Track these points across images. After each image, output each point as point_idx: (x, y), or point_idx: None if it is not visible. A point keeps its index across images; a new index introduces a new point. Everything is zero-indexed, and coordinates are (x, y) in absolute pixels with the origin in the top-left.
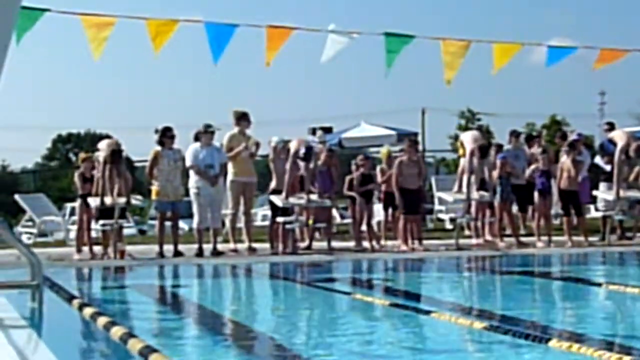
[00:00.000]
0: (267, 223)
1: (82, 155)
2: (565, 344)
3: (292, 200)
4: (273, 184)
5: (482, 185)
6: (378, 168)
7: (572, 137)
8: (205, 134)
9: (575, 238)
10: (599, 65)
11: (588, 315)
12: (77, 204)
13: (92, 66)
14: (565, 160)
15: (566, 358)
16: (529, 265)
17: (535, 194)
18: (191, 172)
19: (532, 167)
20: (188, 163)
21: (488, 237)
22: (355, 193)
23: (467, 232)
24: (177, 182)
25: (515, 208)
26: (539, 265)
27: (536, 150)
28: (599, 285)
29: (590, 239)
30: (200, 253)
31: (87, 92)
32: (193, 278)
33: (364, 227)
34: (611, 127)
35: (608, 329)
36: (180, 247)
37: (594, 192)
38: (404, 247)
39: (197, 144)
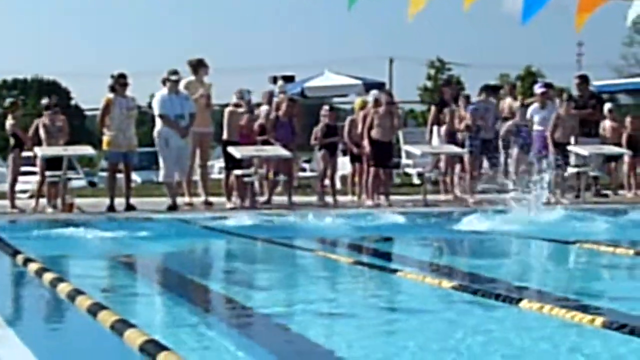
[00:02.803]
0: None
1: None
2: (536, 305)
3: (251, 152)
4: (225, 135)
5: (452, 138)
6: (348, 119)
7: (537, 88)
8: (171, 81)
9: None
10: (581, 21)
11: (560, 275)
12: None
13: (40, 4)
14: (560, 111)
15: (537, 319)
16: (494, 220)
17: (516, 149)
18: (158, 122)
19: (510, 122)
20: (157, 112)
21: (457, 193)
22: (318, 145)
23: (435, 188)
24: (130, 132)
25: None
26: (510, 223)
27: (512, 102)
28: (573, 243)
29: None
30: (173, 207)
31: (35, 34)
32: (145, 233)
33: (327, 182)
34: (583, 80)
35: (581, 289)
36: (133, 201)
37: (569, 147)
38: (369, 202)
39: (165, 91)
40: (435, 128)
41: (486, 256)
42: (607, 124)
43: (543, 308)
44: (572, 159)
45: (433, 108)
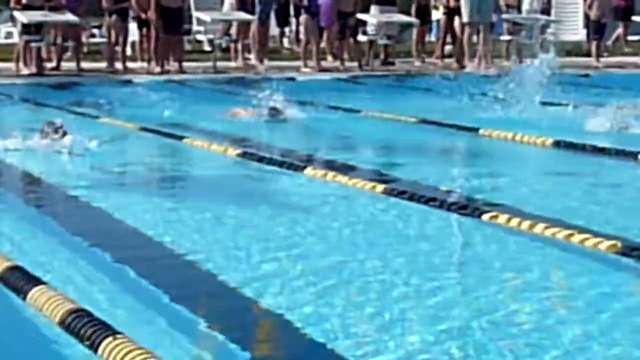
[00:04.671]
0: (11, 41)
1: None
2: (320, 172)
3: (37, 17)
4: None
5: (243, 4)
6: None
7: None
8: None
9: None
10: None
11: (346, 144)
12: None
13: None
14: None
15: (322, 185)
16: (293, 89)
17: (303, 15)
18: None
19: None
20: None
21: (248, 60)
22: (107, 11)
23: (226, 55)
24: None
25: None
26: (299, 92)
27: None
28: (358, 112)
29: (352, 64)
30: None
31: None
32: None
33: (117, 48)
34: None
35: (365, 158)
36: None
37: (360, 15)
38: (158, 69)
39: None
40: None
41: (274, 128)
42: None
43: (327, 175)
44: (371, 28)
45: None
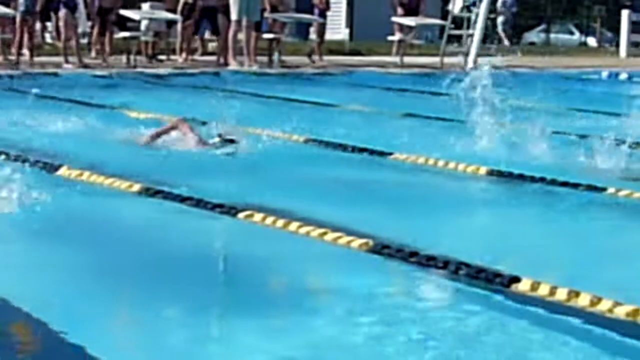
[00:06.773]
0: None
1: None
2: (74, 172)
3: None
4: None
5: None
6: None
7: None
8: None
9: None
10: None
11: (99, 142)
12: None
13: None
14: None
15: (78, 184)
16: (48, 85)
17: (62, 10)
18: None
19: None
20: None
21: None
22: None
23: None
24: None
25: None
26: (60, 88)
27: None
28: (115, 110)
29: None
30: None
31: None
32: None
33: None
34: None
35: (118, 155)
36: None
37: (123, 11)
38: None
39: None
40: None
41: (33, 127)
42: None
43: (82, 175)
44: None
45: None
